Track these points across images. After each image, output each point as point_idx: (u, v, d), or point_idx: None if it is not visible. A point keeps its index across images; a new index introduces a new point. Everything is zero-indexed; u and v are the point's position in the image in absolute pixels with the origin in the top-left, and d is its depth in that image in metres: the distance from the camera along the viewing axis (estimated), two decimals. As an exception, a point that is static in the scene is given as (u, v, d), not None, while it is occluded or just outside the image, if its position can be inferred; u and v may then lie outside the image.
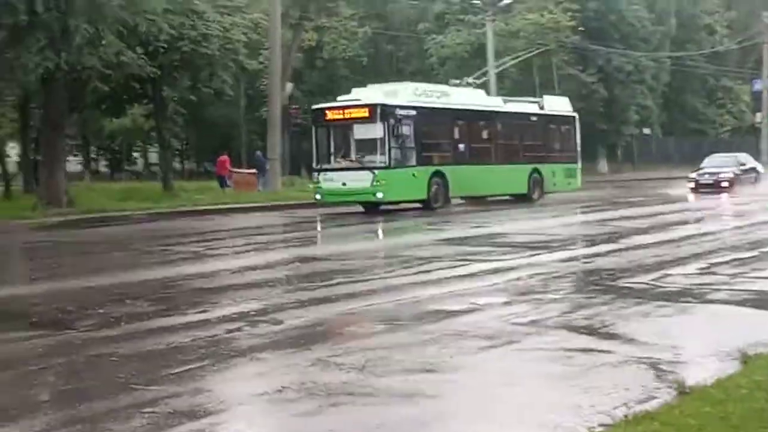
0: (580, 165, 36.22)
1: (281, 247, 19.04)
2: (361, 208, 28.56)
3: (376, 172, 26.81)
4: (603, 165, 65.36)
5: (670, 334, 8.52)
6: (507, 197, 32.22)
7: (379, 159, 27.02)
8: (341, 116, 27.70)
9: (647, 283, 11.58)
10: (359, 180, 26.97)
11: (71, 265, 17.16)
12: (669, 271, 12.61)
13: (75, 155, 60.81)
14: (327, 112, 28.11)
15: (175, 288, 12.95)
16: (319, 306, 10.61)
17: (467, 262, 14.31)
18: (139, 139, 65.69)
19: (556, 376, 7.14)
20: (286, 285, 12.75)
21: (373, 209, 28.07)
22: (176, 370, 7.53)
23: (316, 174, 28.58)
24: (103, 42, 27.78)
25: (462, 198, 30.82)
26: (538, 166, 33.17)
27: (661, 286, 11.36)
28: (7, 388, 7.24)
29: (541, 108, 34.71)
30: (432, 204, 28.10)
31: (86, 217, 27.00)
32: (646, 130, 68.95)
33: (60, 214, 27.12)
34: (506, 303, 10.56)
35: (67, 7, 26.11)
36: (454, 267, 13.83)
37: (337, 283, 12.53)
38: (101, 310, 10.79)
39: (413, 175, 27.59)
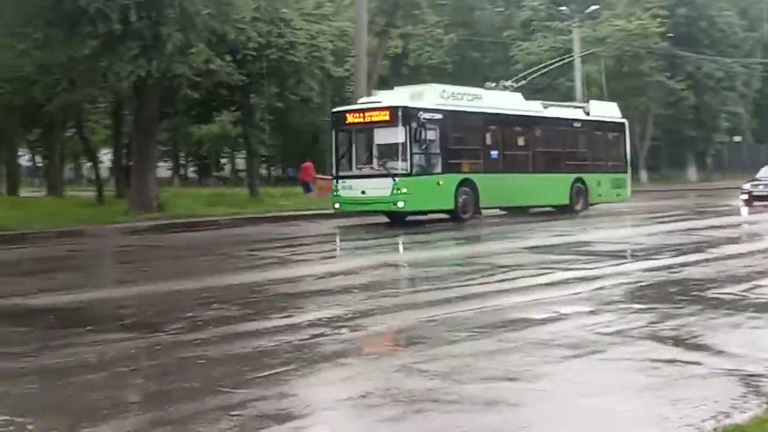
0: (629, 175, 34.25)
1: (365, 253, 19.14)
2: (385, 218, 27.19)
3: (396, 179, 25.01)
4: (692, 173, 64.27)
5: (761, 346, 8.35)
6: (548, 208, 30.45)
7: (400, 165, 25.22)
8: (361, 120, 25.96)
9: (737, 294, 11.35)
10: (379, 188, 25.20)
11: (161, 268, 17.51)
12: (760, 282, 12.35)
13: (165, 161, 62.05)
14: (347, 115, 26.54)
15: (261, 292, 13.13)
16: (403, 312, 10.65)
17: (550, 271, 14.20)
18: (227, 146, 66.73)
19: (642, 387, 7.06)
20: (370, 291, 12.81)
21: (398, 220, 26.52)
22: (263, 374, 7.64)
23: (335, 181, 26.82)
24: (193, 50, 28.30)
25: (502, 209, 29.25)
26: (582, 175, 31.04)
27: (751, 297, 11.13)
28: (98, 388, 7.42)
29: (587, 114, 32.31)
30: (460, 214, 26.23)
31: (175, 222, 27.51)
32: (737, 138, 67.55)
33: (150, 218, 27.69)
34: (591, 312, 10.45)
35: (159, 16, 26.69)
36: (537, 275, 13.74)
37: (420, 290, 12.57)
38: (190, 314, 11.00)
39: (438, 183, 25.82)
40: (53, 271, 16.39)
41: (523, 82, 35.47)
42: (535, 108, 30.53)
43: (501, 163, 28.19)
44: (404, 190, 24.83)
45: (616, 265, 15.44)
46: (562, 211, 29.70)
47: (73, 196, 41.14)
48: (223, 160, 73.42)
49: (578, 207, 30.57)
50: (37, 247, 21.31)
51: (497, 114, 28.18)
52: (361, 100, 27.28)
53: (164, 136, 48.08)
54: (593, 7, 52.36)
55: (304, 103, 40.77)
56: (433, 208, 26.46)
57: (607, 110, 33.42)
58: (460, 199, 26.29)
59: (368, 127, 25.89)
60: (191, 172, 73.14)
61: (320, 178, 43.04)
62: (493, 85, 32.74)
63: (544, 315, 10.19)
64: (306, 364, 8.00)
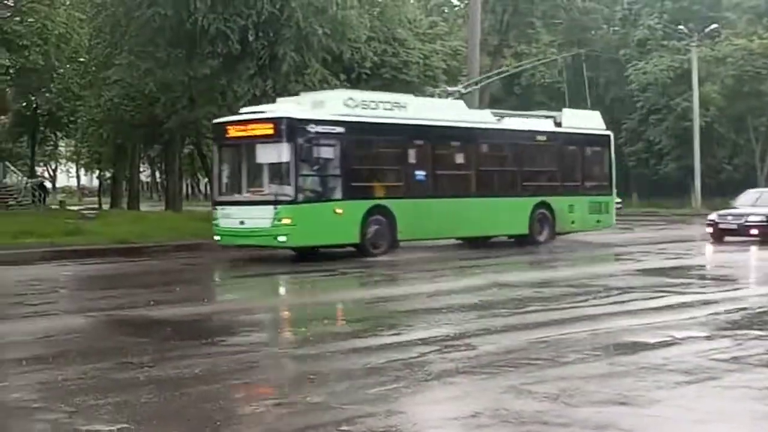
0: (613, 197, 28.53)
1: (476, 272, 19.10)
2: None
3: (277, 207, 20.09)
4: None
5: None
6: (504, 238, 25.69)
7: (283, 190, 20.30)
8: (244, 133, 21.23)
9: None
10: (259, 218, 20.36)
11: (273, 283, 17.79)
12: None
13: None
14: (228, 127, 21.72)
15: (371, 309, 13.24)
16: (513, 333, 10.60)
17: (664, 294, 13.94)
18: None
19: (759, 416, 6.88)
20: (480, 310, 12.79)
21: (308, 253, 21.73)
22: (371, 391, 7.71)
23: (213, 208, 22.12)
24: (309, 69, 28.74)
25: (460, 239, 25.17)
26: (548, 198, 25.77)
27: None
28: (212, 399, 7.59)
29: (558, 125, 26.74)
30: (369, 249, 21.32)
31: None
32: None
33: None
34: (706, 337, 10.22)
35: (276, 36, 27.24)
36: (651, 298, 13.51)
37: (531, 311, 12.48)
38: (301, 329, 11.17)
39: (335, 211, 20.78)
40: (171, 284, 16.83)
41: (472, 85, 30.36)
42: (482, 119, 25.40)
43: (430, 186, 23.23)
44: (287, 221, 20.02)
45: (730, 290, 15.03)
46: (520, 243, 24.91)
47: (190, 211, 42.15)
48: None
49: (541, 237, 25.39)
50: (156, 260, 21.89)
51: (425, 126, 22.99)
52: (244, 110, 22.36)
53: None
54: (713, 26, 51.24)
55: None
56: (329, 242, 21.44)
57: (585, 120, 27.78)
58: (370, 231, 21.39)
59: (251, 143, 21.06)
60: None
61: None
62: (437, 91, 28.32)
63: (658, 339, 10.01)
64: (415, 382, 8.04)
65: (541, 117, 27.62)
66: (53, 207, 42.86)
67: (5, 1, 21.89)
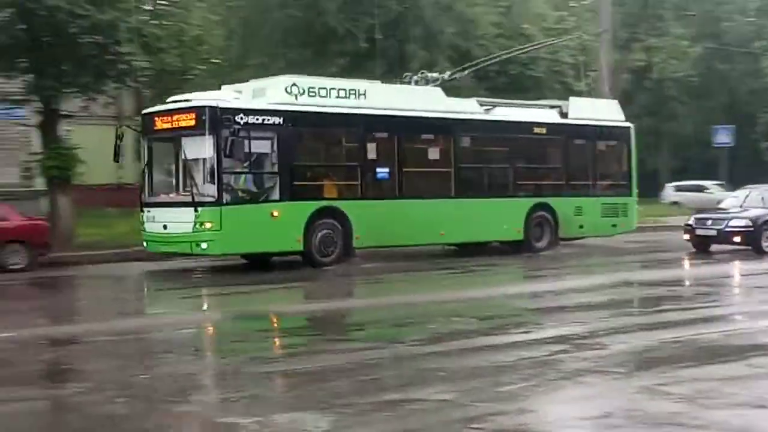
0: (634, 198, 24.57)
1: (608, 270, 18.80)
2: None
3: (198, 210, 17.52)
4: None
5: None
6: (495, 244, 22.27)
7: (204, 190, 17.67)
8: (169, 125, 18.52)
9: None
10: (180, 221, 17.83)
11: (401, 281, 17.90)
12: None
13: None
14: (156, 119, 18.88)
15: (499, 307, 13.21)
16: (645, 332, 10.42)
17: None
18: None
19: None
20: (611, 309, 12.60)
21: (260, 261, 19.48)
22: (501, 389, 7.69)
23: (141, 211, 19.25)
24: (437, 67, 28.78)
25: (452, 245, 22.13)
26: (548, 199, 22.46)
27: None
28: (343, 395, 7.69)
29: (563, 115, 23.28)
30: (316, 257, 18.60)
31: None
32: None
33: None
34: None
35: (404, 35, 27.39)
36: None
37: (664, 310, 12.24)
38: (430, 326, 11.23)
39: (272, 214, 18.04)
40: (302, 281, 17.16)
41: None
42: (465, 108, 21.66)
43: (396, 186, 20.16)
44: (209, 225, 17.45)
45: None
46: (515, 250, 21.72)
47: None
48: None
49: (540, 243, 22.15)
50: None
51: (390, 117, 19.90)
52: (171, 99, 19.39)
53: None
54: None
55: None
56: (263, 250, 18.68)
57: (598, 111, 24.14)
58: (317, 237, 18.61)
59: (176, 136, 18.38)
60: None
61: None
62: (415, 78, 24.09)
63: (798, 341, 9.69)
64: (545, 381, 7.99)
65: (546, 107, 23.89)
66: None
67: (144, 6, 22.58)
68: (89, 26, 20.42)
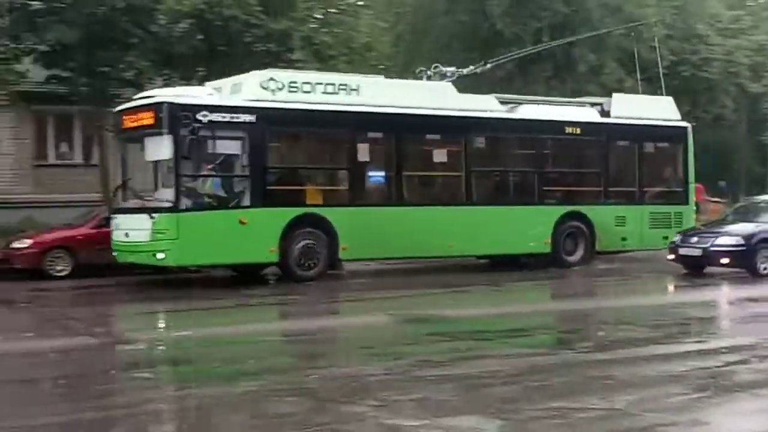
0: (692, 207, 21.78)
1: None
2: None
3: (155, 216, 16.05)
4: None
5: None
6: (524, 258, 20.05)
7: (162, 195, 16.49)
8: (134, 124, 16.99)
9: None
10: (139, 229, 16.31)
11: (571, 286, 17.71)
12: None
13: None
14: (123, 117, 17.34)
15: (668, 315, 12.90)
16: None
17: None
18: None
19: None
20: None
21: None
22: (672, 400, 7.53)
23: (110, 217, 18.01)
24: (606, 70, 28.37)
25: (484, 257, 20.27)
26: (582, 207, 20.07)
27: None
28: (510, 401, 7.68)
29: (604, 114, 20.92)
30: (295, 270, 16.86)
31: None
32: None
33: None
34: None
35: (572, 37, 27.07)
36: None
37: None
38: (599, 333, 11.09)
39: (240, 221, 16.32)
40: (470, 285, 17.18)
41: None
42: (479, 106, 19.44)
43: (392, 191, 18.32)
44: (166, 233, 15.90)
45: None
46: (543, 263, 19.51)
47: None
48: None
49: (573, 257, 19.80)
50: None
51: (386, 115, 17.90)
52: (138, 95, 17.86)
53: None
54: None
55: (716, 120, 39.23)
56: (230, 261, 17.05)
57: (648, 109, 21.44)
58: (296, 247, 16.83)
59: (140, 135, 16.85)
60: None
61: (710, 201, 40.94)
62: (428, 72, 21.82)
63: None
64: (719, 393, 7.77)
65: (586, 105, 21.36)
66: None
67: (315, 15, 23.14)
68: (263, 35, 21.11)
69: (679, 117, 21.73)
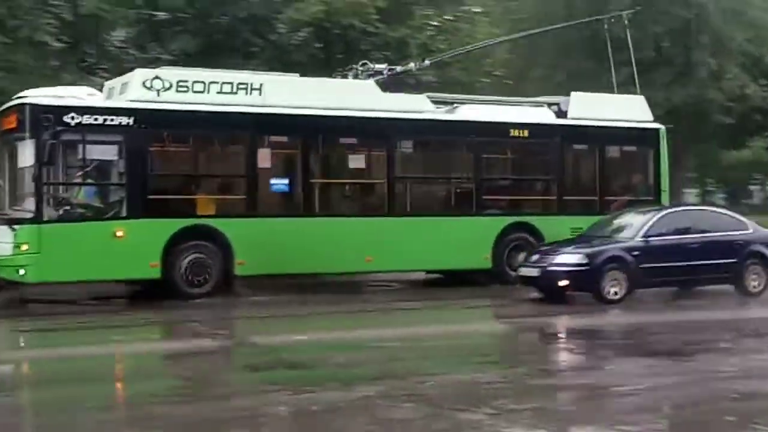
0: None
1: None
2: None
3: (16, 228, 14.64)
4: None
5: None
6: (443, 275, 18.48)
7: (23, 205, 14.92)
8: (3, 128, 15.57)
9: None
10: (4, 242, 14.86)
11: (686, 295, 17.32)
12: None
13: (692, 188, 61.06)
14: (2, 119, 15.70)
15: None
16: None
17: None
18: (760, 172, 63.99)
19: None
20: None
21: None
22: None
23: None
24: (727, 75, 27.66)
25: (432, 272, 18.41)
26: (530, 219, 18.03)
27: None
28: (627, 411, 7.57)
29: (561, 114, 18.69)
30: (182, 287, 15.23)
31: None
32: None
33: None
34: None
35: (692, 42, 26.52)
36: None
37: None
38: (721, 345, 10.86)
39: (115, 234, 14.77)
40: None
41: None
42: (407, 106, 17.41)
43: (298, 200, 16.68)
44: (25, 248, 14.43)
45: None
46: (484, 279, 17.65)
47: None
48: (753, 187, 70.55)
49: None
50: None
51: (289, 116, 16.21)
52: (17, 95, 15.61)
53: (692, 162, 47.27)
54: None
55: None
56: (102, 277, 15.20)
57: (612, 109, 19.01)
58: (183, 261, 15.24)
59: (10, 140, 15.46)
60: (719, 198, 71.27)
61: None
62: (355, 70, 19.50)
63: None
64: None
65: (543, 105, 18.97)
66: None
67: (431, 22, 23.27)
68: (381, 43, 21.33)
69: (650, 118, 19.36)
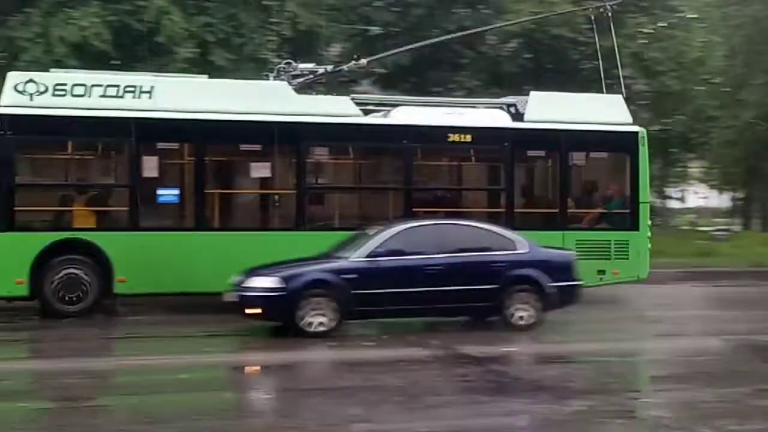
0: (644, 233, 16.51)
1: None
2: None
3: None
4: None
5: None
6: None
7: None
8: None
9: None
10: None
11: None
12: None
13: None
14: None
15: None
16: None
17: None
18: None
19: None
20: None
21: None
22: None
23: None
24: None
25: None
26: None
27: None
28: None
29: (517, 116, 16.29)
30: (55, 305, 13.84)
31: None
32: None
33: None
34: None
35: None
36: None
37: None
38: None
39: None
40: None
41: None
42: (324, 110, 15.38)
43: (190, 213, 15.03)
44: None
45: None
46: None
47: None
48: None
49: None
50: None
51: (179, 122, 14.61)
52: None
53: None
54: None
55: None
56: None
57: (582, 110, 16.51)
58: (55, 278, 13.87)
59: None
60: None
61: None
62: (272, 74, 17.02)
63: None
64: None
65: (503, 106, 16.58)
66: (683, 228, 43.33)
67: (645, 30, 22.83)
68: (591, 53, 21.07)
69: (629, 120, 16.70)
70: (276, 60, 20.38)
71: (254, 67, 19.74)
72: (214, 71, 18.22)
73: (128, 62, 18.24)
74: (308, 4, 19.49)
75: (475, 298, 12.44)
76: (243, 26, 19.91)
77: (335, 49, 23.85)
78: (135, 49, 18.42)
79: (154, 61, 18.40)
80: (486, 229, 13.31)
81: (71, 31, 17.19)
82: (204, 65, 18.64)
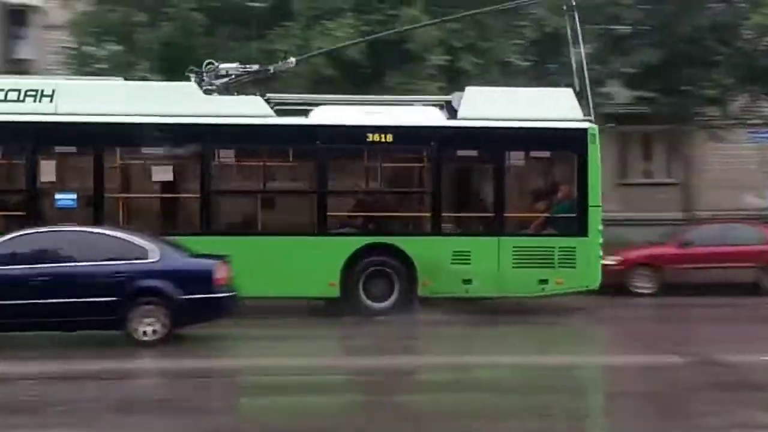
0: (595, 239, 15.42)
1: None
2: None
3: None
4: None
5: None
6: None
7: None
8: None
9: None
10: None
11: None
12: None
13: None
14: None
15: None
16: None
17: None
18: None
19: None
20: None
21: None
22: None
23: None
24: None
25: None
26: (394, 239, 15.17)
27: None
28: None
29: (451, 114, 15.46)
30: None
31: None
32: None
33: None
34: None
35: None
36: None
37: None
38: None
39: None
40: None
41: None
42: (236, 110, 15.12)
43: (88, 217, 14.51)
44: None
45: None
46: (336, 310, 15.08)
47: None
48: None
49: (383, 304, 15.16)
50: None
51: (77, 125, 14.61)
52: None
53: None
54: None
55: None
56: None
57: (526, 106, 15.45)
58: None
59: None
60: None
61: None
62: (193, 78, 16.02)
63: None
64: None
65: (431, 103, 16.02)
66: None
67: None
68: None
69: (579, 116, 15.65)
70: (522, 64, 20.48)
71: (500, 71, 19.85)
72: (462, 76, 18.61)
73: (379, 69, 18.85)
74: (554, 6, 19.36)
75: (93, 311, 11.81)
76: (490, 31, 20.02)
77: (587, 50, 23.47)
78: (385, 57, 18.90)
79: (404, 68, 18.86)
80: (114, 237, 12.61)
81: (328, 41, 17.91)
82: (450, 71, 19.01)
